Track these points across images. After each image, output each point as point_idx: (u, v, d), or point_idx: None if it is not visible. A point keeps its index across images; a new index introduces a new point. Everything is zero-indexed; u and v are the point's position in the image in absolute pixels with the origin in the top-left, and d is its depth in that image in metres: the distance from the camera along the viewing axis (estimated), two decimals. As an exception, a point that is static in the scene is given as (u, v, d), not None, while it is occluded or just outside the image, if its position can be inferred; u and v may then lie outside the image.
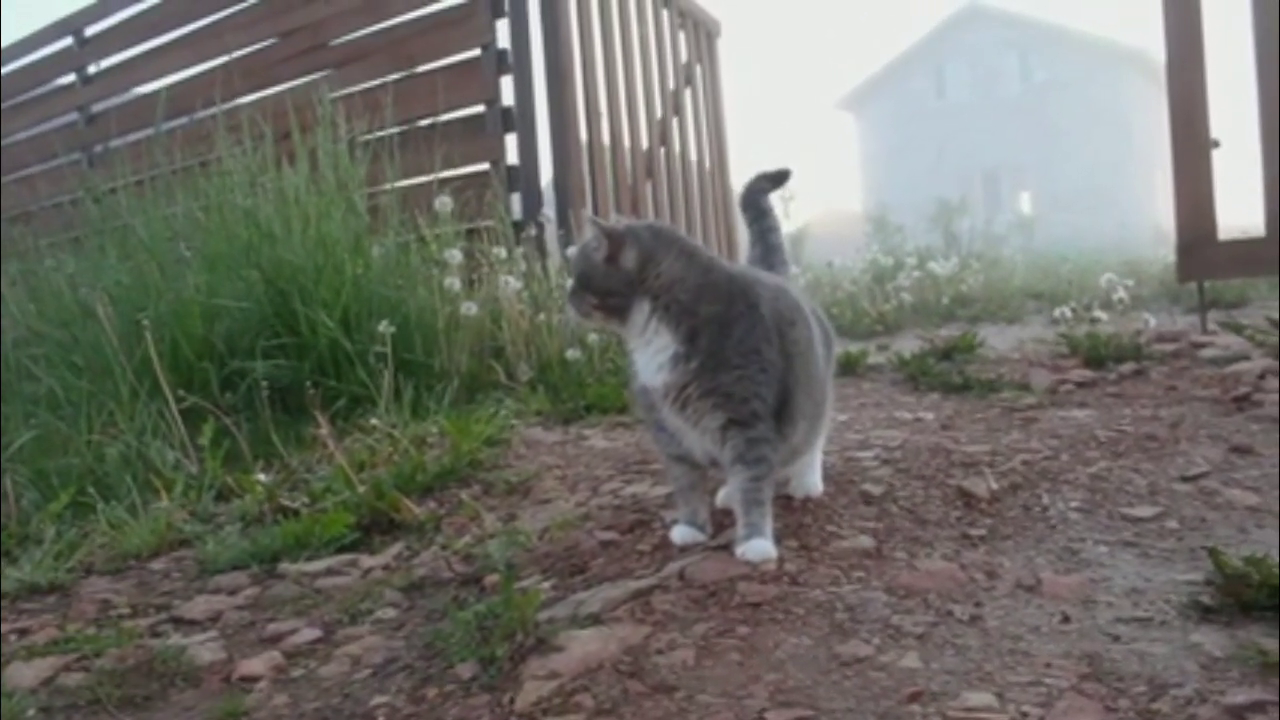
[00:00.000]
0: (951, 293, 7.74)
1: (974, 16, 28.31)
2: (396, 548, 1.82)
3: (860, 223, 14.69)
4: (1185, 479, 1.80)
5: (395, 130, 3.52)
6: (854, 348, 3.50)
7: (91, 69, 5.78)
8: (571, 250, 2.20)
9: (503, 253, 3.28)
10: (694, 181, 5.39)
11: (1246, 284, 5.57)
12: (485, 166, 4.10)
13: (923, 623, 1.23)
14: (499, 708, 1.11)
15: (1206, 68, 3.47)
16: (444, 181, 3.47)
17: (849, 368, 3.24)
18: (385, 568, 1.73)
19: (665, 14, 5.13)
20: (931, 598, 1.30)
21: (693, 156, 5.40)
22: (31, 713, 1.28)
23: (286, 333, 2.83)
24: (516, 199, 4.10)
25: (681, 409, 1.44)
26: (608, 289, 1.44)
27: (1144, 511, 1.63)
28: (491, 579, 1.53)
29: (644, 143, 4.83)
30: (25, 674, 1.38)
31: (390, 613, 1.51)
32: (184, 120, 4.24)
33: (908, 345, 3.57)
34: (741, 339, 1.41)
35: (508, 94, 4.15)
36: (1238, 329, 2.95)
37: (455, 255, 3.05)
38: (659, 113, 5.00)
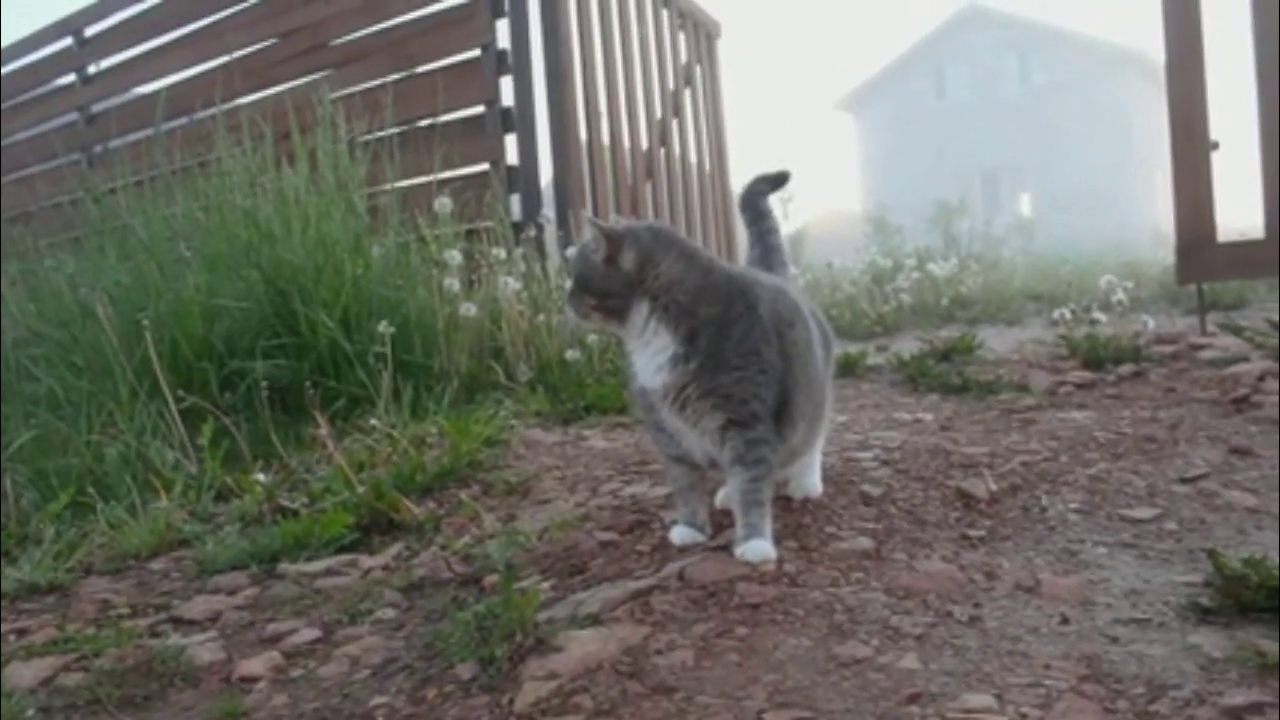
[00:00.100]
0: (951, 294, 7.75)
1: (974, 18, 28.33)
2: (396, 548, 1.82)
3: (859, 224, 14.69)
4: (1184, 480, 1.80)
5: (395, 131, 3.52)
6: (853, 349, 3.50)
7: (91, 69, 5.78)
8: (571, 251, 2.20)
9: (502, 253, 3.28)
10: (694, 182, 5.40)
11: (1245, 286, 5.57)
12: (485, 167, 4.10)
13: (922, 624, 1.23)
14: (498, 708, 1.11)
15: (1206, 69, 3.47)
16: (444, 182, 3.47)
17: (848, 369, 3.24)
18: (385, 568, 1.73)
19: (665, 15, 5.13)
20: (930, 599, 1.30)
21: (692, 157, 5.41)
22: (31, 713, 1.28)
23: (286, 333, 2.83)
24: (516, 200, 4.10)
25: (681, 410, 1.44)
26: (607, 290, 1.44)
27: (1143, 513, 1.64)
28: (491, 579, 1.53)
29: (644, 143, 4.83)
30: (24, 674, 1.38)
31: (390, 613, 1.51)
32: (184, 120, 4.24)
33: (907, 346, 3.57)
34: (740, 340, 1.41)
35: (507, 94, 4.15)
36: (1237, 331, 2.95)
37: (455, 256, 3.05)
38: (659, 113, 5.00)
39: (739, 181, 5.28)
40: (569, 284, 1.51)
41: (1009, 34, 27.58)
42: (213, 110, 3.52)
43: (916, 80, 29.04)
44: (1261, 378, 2.55)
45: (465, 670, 1.20)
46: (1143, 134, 24.22)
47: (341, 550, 1.84)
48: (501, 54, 4.14)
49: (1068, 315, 3.71)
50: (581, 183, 4.23)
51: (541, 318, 3.14)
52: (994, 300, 7.61)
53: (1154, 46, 3.69)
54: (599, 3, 4.47)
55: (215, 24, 5.02)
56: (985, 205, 23.86)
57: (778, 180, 1.89)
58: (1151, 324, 3.79)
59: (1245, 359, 2.81)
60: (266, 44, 4.83)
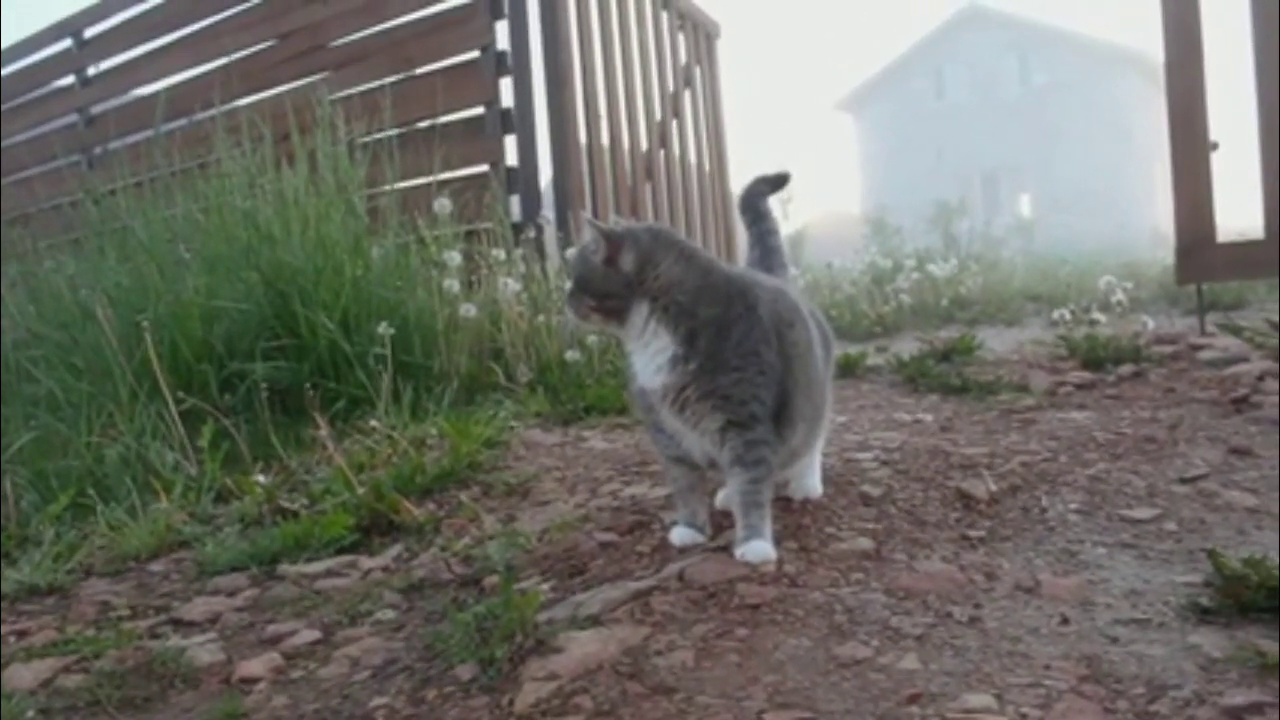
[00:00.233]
0: (950, 295, 7.75)
1: (973, 18, 28.34)
2: (396, 549, 1.82)
3: (859, 224, 14.69)
4: (1184, 481, 1.80)
5: (394, 132, 3.52)
6: (853, 349, 3.50)
7: (91, 71, 5.79)
8: (570, 252, 2.20)
9: (502, 254, 3.28)
10: (693, 183, 5.40)
11: (1245, 286, 5.58)
12: (484, 168, 4.11)
13: (922, 624, 1.23)
14: (498, 709, 1.11)
15: (1205, 70, 3.47)
16: (443, 183, 3.47)
17: (848, 369, 3.24)
18: (385, 569, 1.73)
19: (665, 16, 5.13)
20: (930, 599, 1.30)
21: (692, 158, 5.41)
22: (31, 714, 1.28)
23: (286, 334, 2.83)
24: (515, 201, 4.10)
25: (680, 411, 1.44)
26: (606, 291, 1.44)
27: (1143, 513, 1.64)
28: (491, 580, 1.53)
29: (643, 144, 4.83)
30: (24, 675, 1.38)
31: (389, 614, 1.51)
32: (183, 122, 4.24)
33: (907, 347, 3.57)
34: (740, 341, 1.41)
35: (507, 96, 4.16)
36: (1236, 331, 2.95)
37: (454, 257, 3.05)
38: (658, 114, 5.01)
39: (739, 182, 5.28)
40: (568, 285, 1.51)
41: (1009, 34, 27.59)
42: (212, 112, 3.52)
43: (916, 81, 29.04)
44: (1261, 378, 2.55)
45: (465, 671, 1.20)
46: (1142, 134, 24.21)
47: (341, 551, 1.84)
48: (501, 55, 4.15)
49: (1067, 316, 3.71)
50: (581, 184, 4.23)
51: (541, 319, 3.14)
52: (994, 301, 7.61)
53: (1154, 47, 3.69)
54: (598, 4, 4.47)
55: (214, 26, 5.02)
56: (985, 206, 23.88)
57: (778, 182, 1.89)
58: (1151, 324, 3.79)
59: (1245, 359, 2.81)
60: (266, 45, 4.84)
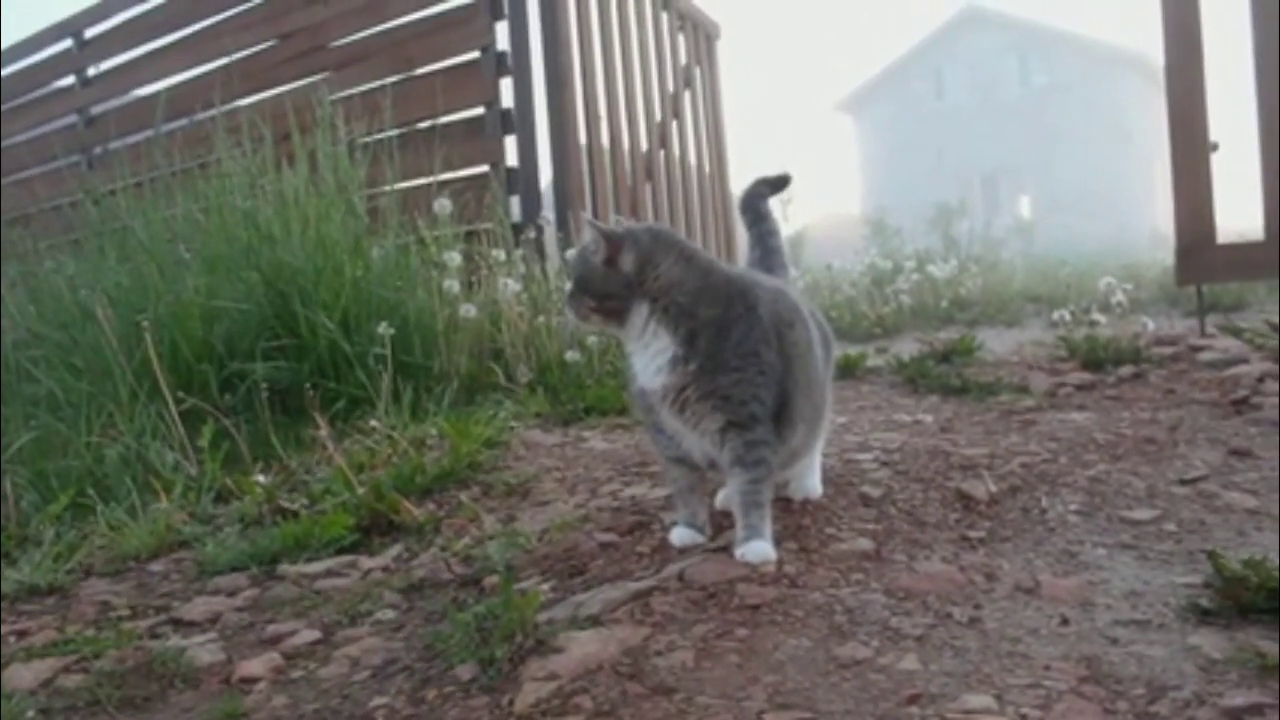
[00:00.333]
0: (950, 296, 7.75)
1: (973, 19, 28.34)
2: (396, 549, 1.82)
3: (859, 226, 14.68)
4: (1184, 482, 1.80)
5: (395, 132, 3.52)
6: (853, 350, 3.50)
7: (91, 71, 5.79)
8: (570, 253, 2.20)
9: (502, 255, 3.28)
10: (693, 184, 5.40)
11: (1245, 287, 5.58)
12: (484, 169, 4.11)
13: (922, 625, 1.23)
14: (498, 709, 1.11)
15: (1205, 71, 3.47)
16: (443, 184, 3.48)
17: (848, 370, 3.24)
18: (385, 569, 1.73)
19: (665, 16, 5.13)
20: (930, 600, 1.30)
21: (692, 159, 5.41)
22: (31, 714, 1.28)
23: (286, 334, 2.83)
24: (516, 201, 4.10)
25: (680, 411, 1.44)
26: (606, 292, 1.44)
27: (1143, 514, 1.64)
28: (491, 580, 1.53)
29: (643, 145, 4.83)
30: (25, 675, 1.38)
31: (389, 614, 1.51)
32: (183, 122, 4.25)
33: (906, 348, 3.57)
34: (740, 341, 1.42)
35: (507, 96, 4.16)
36: (1236, 332, 2.95)
37: (454, 257, 3.05)
38: (658, 115, 5.01)
39: (739, 183, 5.29)
40: (569, 286, 1.51)
41: (1008, 36, 27.60)
42: (212, 112, 3.52)
43: (916, 82, 29.05)
44: (1261, 379, 2.55)
45: (465, 671, 1.20)
46: (1142, 136, 24.22)
47: (341, 551, 1.84)
48: (501, 56, 4.15)
49: (1067, 317, 3.71)
50: (581, 184, 4.24)
51: (541, 319, 3.14)
52: (993, 302, 7.61)
53: (1154, 48, 3.69)
54: (599, 4, 4.48)
55: (215, 26, 5.02)
56: (985, 207, 23.88)
57: (778, 183, 1.89)
58: (1151, 325, 3.80)
59: (1245, 361, 2.81)
60: (266, 46, 4.84)
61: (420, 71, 4.33)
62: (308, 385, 2.46)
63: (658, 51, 5.05)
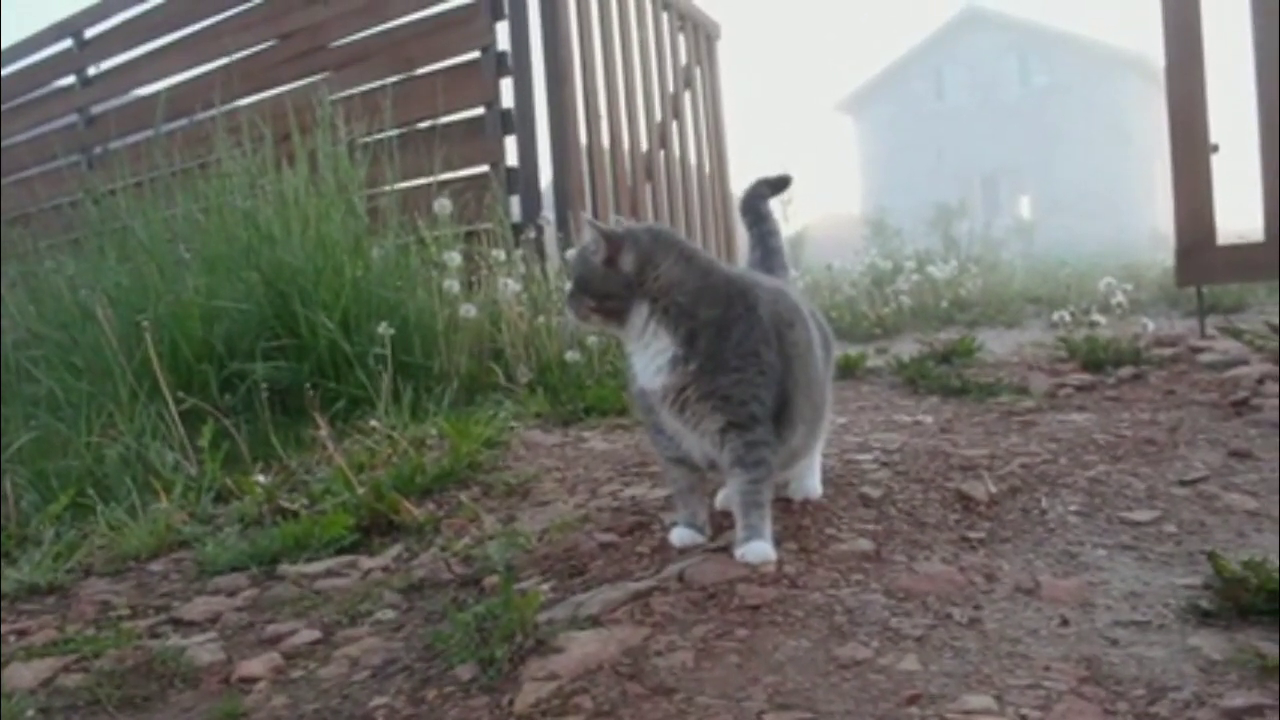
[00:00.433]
0: (950, 296, 7.74)
1: (973, 20, 28.35)
2: (396, 549, 1.82)
3: (859, 226, 14.67)
4: (1184, 483, 1.80)
5: (395, 132, 3.52)
6: (853, 351, 3.50)
7: (91, 71, 5.79)
8: (570, 253, 2.20)
9: (502, 255, 3.28)
10: (693, 184, 5.40)
11: (1245, 289, 5.57)
12: (485, 169, 4.11)
13: (921, 625, 1.23)
14: (498, 709, 1.11)
15: (1206, 72, 3.47)
16: (443, 184, 3.48)
17: (848, 371, 3.24)
18: (384, 569, 1.73)
19: (665, 16, 5.13)
20: (930, 600, 1.30)
21: (692, 159, 5.41)
22: (31, 713, 1.28)
23: (286, 334, 2.83)
24: (516, 201, 4.10)
25: (680, 411, 1.44)
26: (606, 292, 1.44)
27: (1142, 515, 1.64)
28: (491, 580, 1.53)
29: (643, 145, 4.83)
30: (24, 675, 1.38)
31: (389, 614, 1.51)
32: (184, 122, 4.25)
33: (906, 348, 3.57)
34: (740, 341, 1.41)
35: (507, 96, 4.16)
36: (1236, 333, 2.95)
37: (454, 257, 3.05)
38: (658, 115, 5.01)
39: (739, 183, 5.29)
40: (569, 286, 1.51)
41: (1009, 36, 27.61)
42: (212, 112, 3.52)
43: (916, 82, 29.06)
44: (1261, 381, 2.55)
45: (465, 671, 1.20)
46: (1142, 137, 24.22)
47: (341, 551, 1.84)
48: (501, 56, 4.15)
49: (1067, 318, 3.71)
50: (581, 184, 4.24)
51: (541, 319, 3.14)
52: (993, 303, 7.60)
53: (1154, 49, 3.69)
54: (599, 5, 4.48)
55: (215, 26, 5.02)
56: (985, 208, 23.86)
57: (779, 184, 1.89)
58: (1151, 326, 3.80)
59: (1245, 362, 2.81)
60: (266, 46, 4.84)
61: (420, 71, 4.34)
62: (308, 385, 2.46)
63: (658, 51, 5.05)
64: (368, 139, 3.41)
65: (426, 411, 2.63)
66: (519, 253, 3.44)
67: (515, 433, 2.49)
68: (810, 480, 1.70)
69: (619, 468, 2.14)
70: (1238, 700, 0.99)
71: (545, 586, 1.47)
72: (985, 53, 27.78)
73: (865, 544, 1.50)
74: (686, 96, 5.40)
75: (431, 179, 3.47)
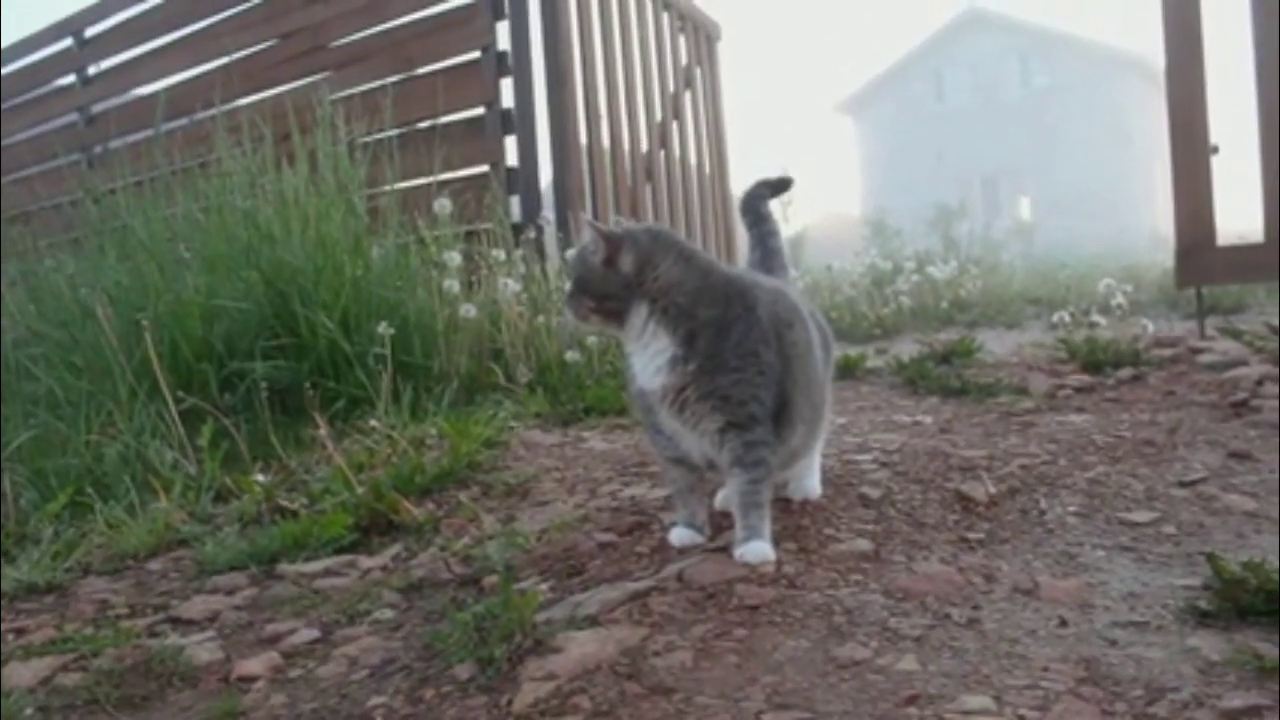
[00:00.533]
0: (950, 297, 7.74)
1: (974, 21, 28.35)
2: (395, 549, 1.82)
3: (859, 227, 14.68)
4: (1183, 484, 1.80)
5: (395, 132, 3.52)
6: (852, 351, 3.50)
7: (91, 70, 5.79)
8: (570, 253, 2.20)
9: (502, 255, 3.28)
10: (693, 185, 5.40)
11: (1245, 290, 5.58)
12: (485, 169, 4.11)
13: (920, 626, 1.23)
14: (497, 709, 1.11)
15: (1206, 73, 3.48)
16: (443, 183, 3.48)
17: (847, 371, 3.24)
18: (384, 569, 1.74)
19: (665, 17, 5.13)
20: (929, 601, 1.30)
21: (692, 159, 5.41)
22: (29, 712, 1.28)
23: (286, 334, 2.83)
24: (516, 201, 4.10)
25: (679, 412, 1.44)
26: (605, 292, 1.44)
27: (1142, 516, 1.64)
28: (490, 580, 1.53)
29: (644, 146, 4.83)
30: (23, 674, 1.38)
31: (388, 614, 1.51)
32: (184, 121, 4.24)
33: (906, 349, 3.57)
34: (739, 341, 1.42)
35: (507, 96, 4.16)
36: (1236, 334, 2.95)
37: (454, 257, 3.05)
38: (659, 116, 5.01)
39: (739, 184, 5.29)
40: (568, 286, 1.51)
41: (1009, 37, 27.60)
42: (212, 111, 3.52)
43: (916, 83, 29.05)
44: (1260, 382, 2.55)
45: (464, 671, 1.20)
46: (1142, 138, 24.21)
47: (340, 551, 1.84)
48: (501, 56, 4.15)
49: (1067, 318, 3.71)
50: (581, 185, 4.24)
51: (541, 319, 3.14)
52: (993, 303, 7.61)
53: (1154, 50, 3.70)
54: (599, 5, 4.48)
55: (215, 25, 5.02)
56: (985, 208, 23.85)
57: (779, 185, 1.90)
58: (1150, 327, 3.80)
59: (1244, 363, 2.81)
60: (266, 45, 4.84)
61: (420, 71, 4.33)
62: (307, 385, 2.46)
63: (658, 52, 5.05)
64: (368, 139, 3.41)
65: (426, 411, 2.63)
66: (519, 253, 3.44)
67: (515, 433, 2.49)
68: (809, 480, 1.71)
69: (618, 468, 2.14)
70: (1236, 701, 0.99)
71: (544, 586, 1.47)
72: (986, 54, 27.77)
73: (864, 544, 1.50)
74: (687, 97, 5.40)
75: (431, 179, 3.47)
